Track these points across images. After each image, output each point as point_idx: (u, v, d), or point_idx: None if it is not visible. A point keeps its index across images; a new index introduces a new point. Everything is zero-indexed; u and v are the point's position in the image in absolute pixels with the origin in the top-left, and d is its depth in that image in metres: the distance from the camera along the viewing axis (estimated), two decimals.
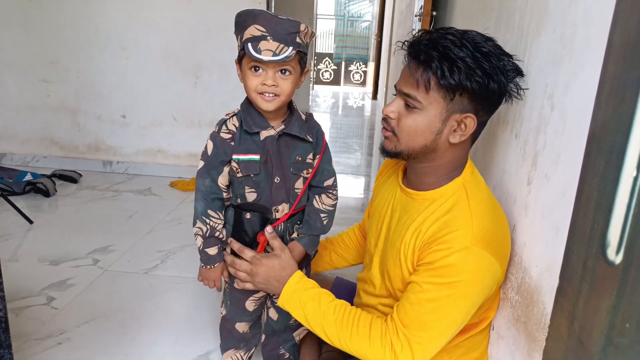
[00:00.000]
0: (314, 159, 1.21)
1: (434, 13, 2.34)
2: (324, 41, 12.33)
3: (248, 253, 1.14)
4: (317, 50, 11.20)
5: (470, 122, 0.98)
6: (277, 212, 1.18)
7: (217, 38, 3.33)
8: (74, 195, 3.09)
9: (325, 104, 9.15)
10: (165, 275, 2.10)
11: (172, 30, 3.36)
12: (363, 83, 12.00)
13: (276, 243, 1.15)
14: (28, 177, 3.04)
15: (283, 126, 1.14)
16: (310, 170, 1.20)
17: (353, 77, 12.14)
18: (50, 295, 1.89)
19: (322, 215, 1.26)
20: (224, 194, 1.17)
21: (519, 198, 1.09)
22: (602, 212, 0.54)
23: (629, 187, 0.49)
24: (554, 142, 0.92)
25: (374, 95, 9.32)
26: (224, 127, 1.14)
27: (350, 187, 3.68)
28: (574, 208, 0.64)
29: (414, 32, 1.04)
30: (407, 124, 1.00)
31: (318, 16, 9.39)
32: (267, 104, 1.08)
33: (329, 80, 12.05)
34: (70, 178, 3.28)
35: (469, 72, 0.92)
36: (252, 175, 1.13)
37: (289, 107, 1.18)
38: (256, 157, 1.12)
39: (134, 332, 1.69)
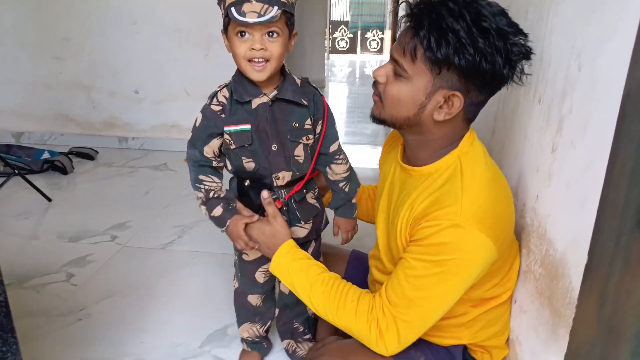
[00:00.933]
0: (313, 125, 1.15)
1: None
2: (339, 9, 12.03)
3: (245, 213, 1.14)
4: (332, 18, 10.94)
5: (457, 101, 0.91)
6: (278, 179, 1.15)
7: None
8: (91, 172, 3.11)
9: (341, 73, 9.00)
10: (182, 251, 2.10)
11: (182, 3, 3.29)
12: (380, 51, 11.73)
13: (270, 209, 1.13)
14: (46, 155, 3.07)
15: (276, 92, 1.09)
16: (310, 136, 1.14)
17: (370, 45, 11.87)
18: (70, 272, 1.91)
19: (340, 184, 1.24)
20: (214, 163, 1.15)
21: (543, 166, 1.03)
22: (638, 183, 0.48)
23: None
24: (582, 105, 0.86)
25: None
26: (214, 100, 1.11)
27: (367, 157, 3.62)
28: (605, 178, 0.58)
29: None
30: (392, 91, 0.95)
31: None
32: (257, 74, 1.03)
33: (345, 49, 11.81)
34: (87, 155, 3.30)
35: (459, 47, 0.83)
36: (246, 146, 1.10)
37: (282, 73, 1.12)
38: (247, 126, 1.09)
39: (152, 307, 1.70)
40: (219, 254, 2.06)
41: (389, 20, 10.23)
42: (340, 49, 11.79)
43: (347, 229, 1.29)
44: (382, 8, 11.71)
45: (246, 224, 1.12)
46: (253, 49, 1.00)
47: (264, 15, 0.96)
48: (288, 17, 1.02)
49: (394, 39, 8.88)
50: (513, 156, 1.26)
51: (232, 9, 0.96)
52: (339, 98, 6.55)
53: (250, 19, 0.95)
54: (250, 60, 1.02)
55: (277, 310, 1.42)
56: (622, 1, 0.72)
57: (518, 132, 1.24)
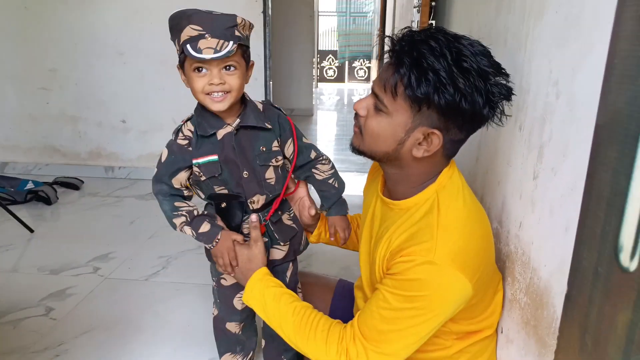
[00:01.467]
0: (281, 145, 1.16)
1: (433, 3, 2.26)
2: (327, 38, 12.24)
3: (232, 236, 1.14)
4: (320, 48, 11.12)
5: (436, 139, 0.89)
6: (253, 203, 1.15)
7: None
8: (76, 202, 3.06)
9: (330, 101, 9.09)
10: (166, 282, 2.06)
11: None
12: (367, 79, 11.91)
13: (254, 233, 1.14)
14: (30, 186, 3.02)
15: (239, 120, 1.10)
16: (279, 157, 1.16)
17: (357, 73, 12.06)
18: (49, 305, 1.85)
19: (329, 181, 1.26)
20: (185, 192, 1.15)
21: (525, 193, 1.03)
22: (614, 211, 0.47)
23: None
24: (561, 132, 0.86)
25: None
26: (180, 134, 1.11)
27: (355, 184, 3.61)
28: (581, 206, 0.58)
29: (410, 27, 0.94)
30: (371, 125, 0.94)
31: (320, 13, 9.31)
32: (217, 105, 1.04)
33: (333, 78, 11.96)
34: (72, 185, 3.25)
35: (439, 87, 0.83)
36: (216, 176, 1.11)
37: (243, 101, 1.13)
38: (214, 157, 1.09)
39: (133, 341, 1.65)
40: (204, 285, 2.01)
41: (375, 49, 10.41)
42: (328, 78, 11.93)
43: (344, 227, 1.28)
44: (368, 38, 11.95)
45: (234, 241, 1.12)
46: (212, 83, 1.01)
47: (220, 50, 0.97)
48: (244, 50, 1.04)
49: (380, 67, 9.01)
50: (496, 183, 1.26)
51: (188, 46, 0.97)
52: (327, 126, 6.59)
53: (207, 55, 0.96)
54: (208, 94, 1.03)
55: (263, 342, 1.38)
56: (594, 27, 0.73)
57: (501, 159, 1.24)
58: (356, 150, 1.00)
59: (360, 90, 10.83)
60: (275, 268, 1.21)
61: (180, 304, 1.89)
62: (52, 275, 2.10)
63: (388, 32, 7.86)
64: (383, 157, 0.97)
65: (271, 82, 3.44)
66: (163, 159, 1.12)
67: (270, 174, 1.15)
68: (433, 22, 2.28)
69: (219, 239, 1.11)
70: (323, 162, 1.25)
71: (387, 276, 0.93)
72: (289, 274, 1.27)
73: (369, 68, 11.94)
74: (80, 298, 1.91)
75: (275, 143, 1.14)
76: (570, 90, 0.82)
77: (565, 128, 0.84)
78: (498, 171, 1.26)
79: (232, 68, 1.02)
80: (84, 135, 3.56)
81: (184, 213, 1.13)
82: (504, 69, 0.89)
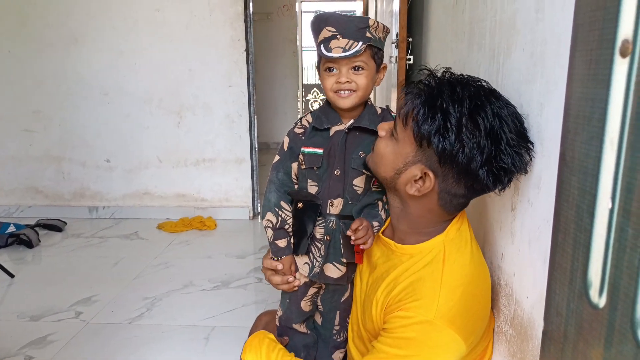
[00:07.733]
0: None
1: (410, 39, 2.33)
2: (311, 73, 12.43)
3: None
4: (305, 82, 11.27)
5: (428, 181, 0.88)
6: (332, 205, 1.13)
7: (198, 77, 3.32)
8: (59, 244, 3.01)
9: None
10: (151, 325, 2.01)
11: (154, 73, 3.36)
12: None
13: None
14: (11, 229, 2.97)
15: (353, 121, 1.13)
16: None
17: None
18: (29, 354, 1.80)
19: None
20: (296, 186, 1.18)
21: (505, 225, 1.03)
22: (581, 248, 0.48)
23: (605, 220, 0.44)
24: (534, 165, 0.87)
25: None
26: (298, 124, 1.18)
27: None
28: (551, 241, 0.58)
29: (450, 68, 0.92)
30: (379, 146, 0.97)
31: (303, 48, 9.49)
32: (343, 101, 1.08)
33: None
34: (55, 227, 3.21)
35: (442, 130, 0.81)
36: (315, 168, 1.13)
37: (365, 105, 1.16)
38: (320, 150, 1.13)
39: None
40: (190, 327, 1.97)
41: None
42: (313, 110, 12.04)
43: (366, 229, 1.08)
44: None
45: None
46: (339, 82, 1.07)
47: (348, 50, 1.03)
48: (374, 51, 1.08)
49: None
50: (478, 214, 1.27)
51: (322, 46, 1.04)
52: None
53: (335, 53, 1.03)
54: (336, 92, 1.08)
55: None
56: (557, 66, 0.76)
57: None
58: (364, 165, 1.04)
59: None
60: (328, 287, 1.18)
61: (165, 347, 1.84)
62: (32, 321, 2.04)
63: None
64: (382, 181, 0.98)
65: (256, 117, 3.47)
66: (286, 146, 1.17)
67: (359, 181, 1.12)
68: (411, 57, 2.34)
69: (282, 259, 1.16)
70: None
71: (383, 332, 0.91)
72: (346, 295, 1.20)
73: None
74: (61, 345, 1.86)
75: None
76: (539, 125, 0.84)
77: (537, 161, 0.85)
78: (479, 204, 1.27)
79: (360, 69, 1.07)
80: (68, 175, 3.54)
81: (280, 216, 1.15)
82: (530, 143, 0.85)
